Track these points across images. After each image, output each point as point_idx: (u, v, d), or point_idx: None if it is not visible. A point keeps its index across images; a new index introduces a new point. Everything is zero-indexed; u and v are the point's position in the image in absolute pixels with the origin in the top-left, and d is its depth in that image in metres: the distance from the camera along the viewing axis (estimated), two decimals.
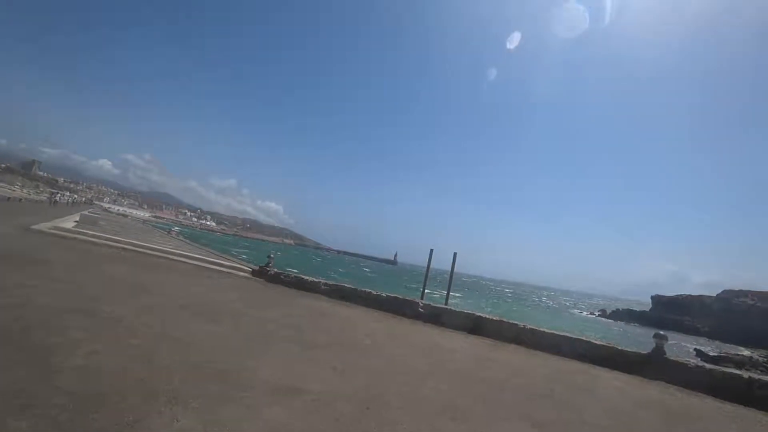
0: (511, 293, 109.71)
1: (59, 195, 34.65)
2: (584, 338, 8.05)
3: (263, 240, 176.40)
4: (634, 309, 76.65)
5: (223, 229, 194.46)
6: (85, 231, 13.69)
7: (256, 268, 12.36)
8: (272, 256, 12.18)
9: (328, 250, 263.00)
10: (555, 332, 8.24)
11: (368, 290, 10.16)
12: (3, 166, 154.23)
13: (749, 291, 62.75)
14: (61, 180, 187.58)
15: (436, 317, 9.11)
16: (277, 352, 4.70)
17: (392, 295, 9.77)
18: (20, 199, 32.30)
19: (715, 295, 67.43)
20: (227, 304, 7.09)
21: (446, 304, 10.12)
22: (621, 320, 68.52)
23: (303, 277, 11.24)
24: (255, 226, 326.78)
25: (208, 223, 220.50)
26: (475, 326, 8.75)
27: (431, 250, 10.86)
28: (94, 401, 2.70)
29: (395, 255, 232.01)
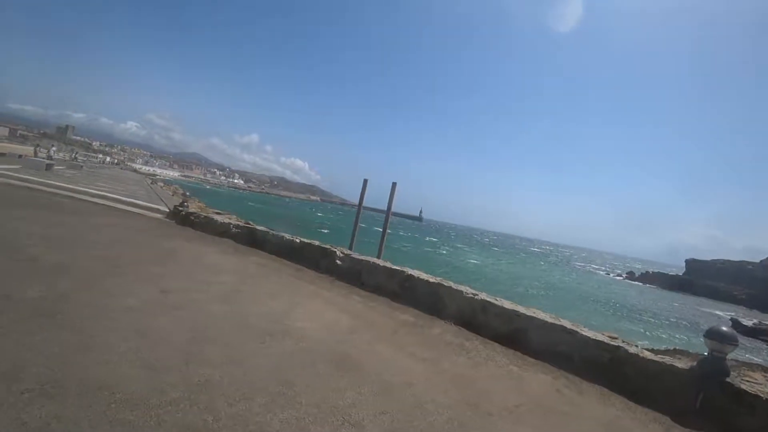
0: (540, 252, 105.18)
1: (54, 149, 32.97)
2: (593, 336, 3.96)
3: (288, 197, 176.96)
4: (666, 272, 71.13)
5: (251, 187, 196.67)
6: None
7: (171, 209, 10.18)
8: (188, 194, 9.92)
9: (353, 206, 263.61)
10: (555, 322, 4.23)
11: (282, 234, 7.66)
12: (41, 132, 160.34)
13: None
14: (96, 144, 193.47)
15: (356, 275, 6.36)
16: None
17: (306, 241, 7.21)
18: (19, 156, 31.04)
19: (758, 261, 60.81)
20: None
21: (379, 256, 7.44)
22: (652, 284, 63.77)
23: (213, 217, 8.88)
24: (282, 183, 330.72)
25: (236, 181, 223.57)
26: (403, 290, 5.65)
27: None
28: None
29: (420, 211, 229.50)
